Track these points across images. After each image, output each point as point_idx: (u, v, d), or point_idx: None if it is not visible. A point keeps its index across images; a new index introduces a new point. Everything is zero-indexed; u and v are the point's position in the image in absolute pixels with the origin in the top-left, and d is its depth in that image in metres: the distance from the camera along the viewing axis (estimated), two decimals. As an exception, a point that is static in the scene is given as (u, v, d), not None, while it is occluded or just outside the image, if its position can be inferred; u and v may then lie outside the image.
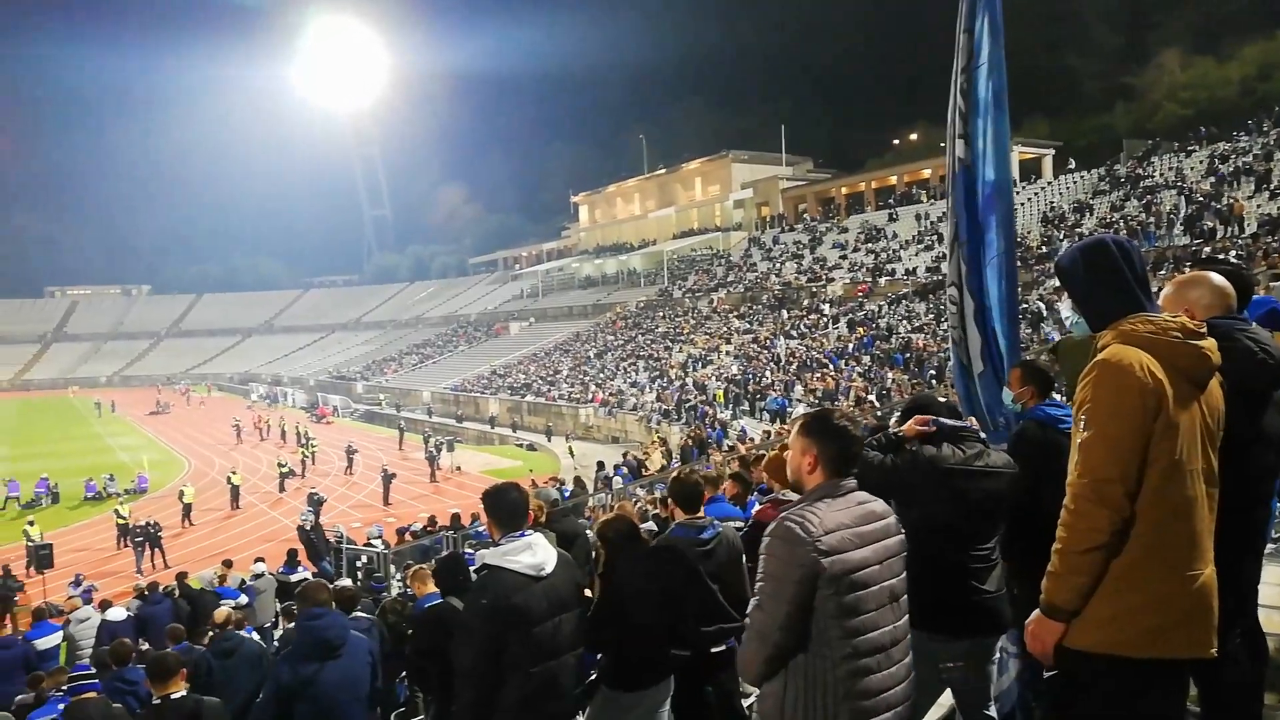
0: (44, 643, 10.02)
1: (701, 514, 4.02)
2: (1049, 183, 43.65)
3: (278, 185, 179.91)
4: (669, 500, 4.38)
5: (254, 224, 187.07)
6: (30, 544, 19.80)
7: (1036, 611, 2.28)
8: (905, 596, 2.49)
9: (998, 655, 3.33)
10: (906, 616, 2.49)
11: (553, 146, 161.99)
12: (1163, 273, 25.63)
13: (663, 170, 75.64)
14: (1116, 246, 2.34)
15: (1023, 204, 39.50)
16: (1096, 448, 2.13)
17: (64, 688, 6.71)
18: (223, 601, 10.29)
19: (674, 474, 4.54)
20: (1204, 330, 2.23)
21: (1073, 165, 43.81)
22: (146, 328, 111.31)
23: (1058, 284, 25.09)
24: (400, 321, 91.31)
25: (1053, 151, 51.43)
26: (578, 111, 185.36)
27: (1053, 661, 2.28)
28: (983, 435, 3.31)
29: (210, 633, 7.80)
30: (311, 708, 3.94)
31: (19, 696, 7.79)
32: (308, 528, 17.09)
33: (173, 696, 4.38)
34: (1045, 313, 23.92)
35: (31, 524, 22.02)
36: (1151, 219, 30.40)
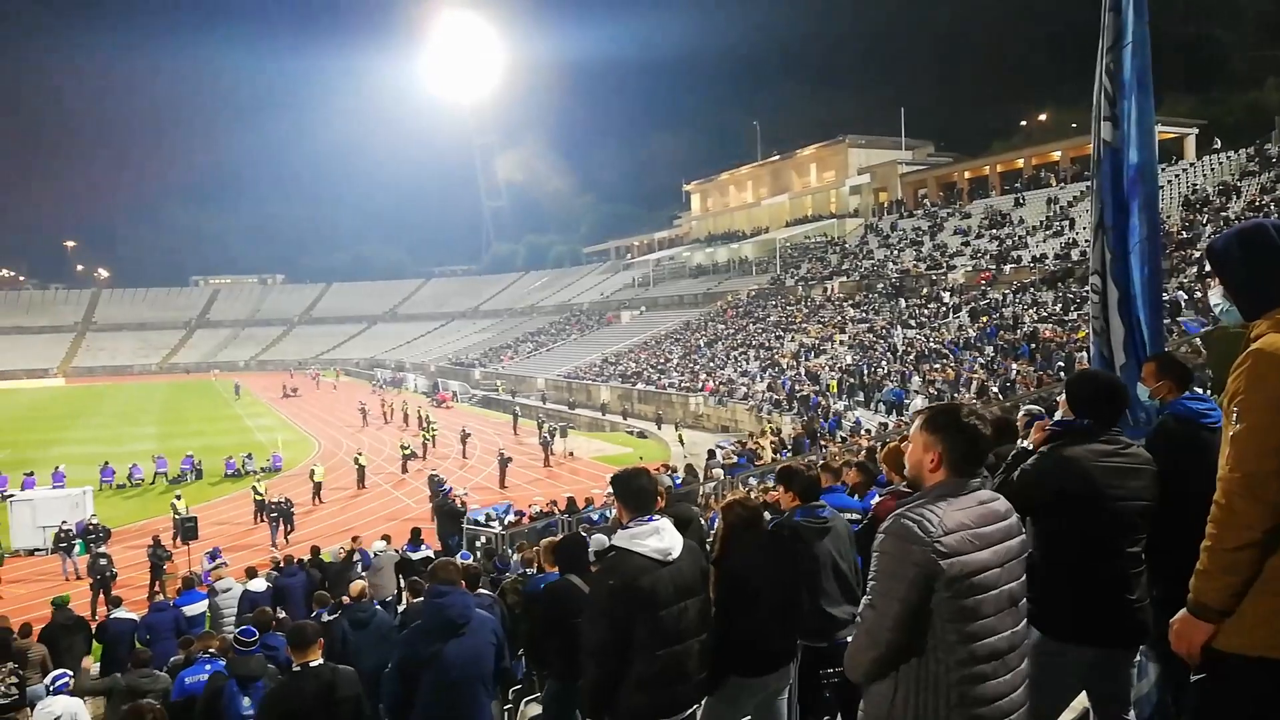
0: (191, 609, 10.79)
1: (820, 503, 3.99)
2: (1191, 164, 40.92)
3: (402, 177, 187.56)
4: (784, 490, 4.34)
5: (380, 215, 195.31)
6: (177, 516, 21.24)
7: (1183, 611, 2.18)
8: (1025, 600, 2.38)
9: (1138, 659, 3.18)
10: (1025, 620, 2.38)
11: (664, 135, 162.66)
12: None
13: (776, 157, 74.67)
14: (1277, 231, 2.21)
15: (1162, 186, 37.15)
16: (1250, 440, 2.03)
17: (211, 650, 7.20)
18: (358, 575, 10.79)
19: (787, 463, 4.50)
20: None
21: (1218, 145, 40.89)
22: (281, 315, 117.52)
23: (1199, 271, 23.66)
24: (516, 310, 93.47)
25: (1196, 130, 48.16)
26: (689, 99, 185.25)
27: (1199, 663, 2.17)
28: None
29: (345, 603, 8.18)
30: (435, 683, 4.05)
31: (173, 658, 8.40)
32: (452, 504, 17.78)
33: (311, 664, 4.60)
34: (1184, 302, 22.49)
35: (179, 498, 23.59)
36: (1309, 201, 28.15)
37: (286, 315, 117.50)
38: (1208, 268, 2.36)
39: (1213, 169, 37.62)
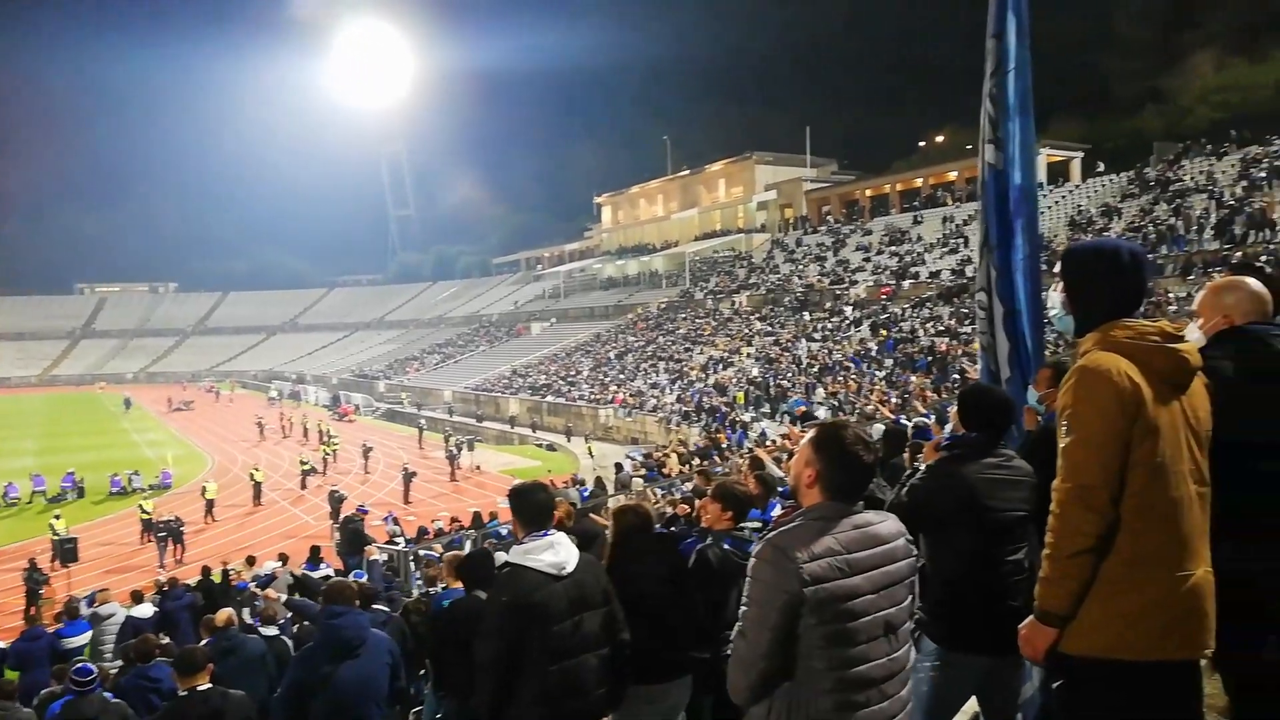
0: (74, 641, 10.10)
1: (746, 535, 3.99)
2: (1077, 185, 43.21)
3: (305, 184, 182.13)
4: (719, 503, 4.28)
5: (281, 223, 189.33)
6: (56, 537, 20.07)
7: (1030, 617, 2.29)
8: (905, 627, 2.34)
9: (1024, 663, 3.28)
10: (907, 647, 2.36)
11: (577, 147, 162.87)
12: (1192, 278, 25.32)
13: (686, 171, 75.59)
14: (1130, 254, 2.34)
15: (1050, 206, 39.10)
16: (1078, 452, 2.16)
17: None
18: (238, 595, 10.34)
19: (728, 480, 4.48)
20: (1183, 334, 2.26)
21: (1101, 168, 43.30)
22: (173, 325, 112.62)
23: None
24: (423, 321, 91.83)
25: (1081, 154, 50.89)
26: (602, 112, 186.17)
27: (1054, 668, 2.30)
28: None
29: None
30: (328, 706, 3.96)
31: (44, 689, 7.87)
32: (359, 523, 17.24)
33: (199, 689, 4.43)
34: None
35: (58, 518, 22.31)
36: (1181, 223, 30.00)
37: (179, 325, 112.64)
38: (1056, 268, 2.49)
39: (1096, 191, 39.77)
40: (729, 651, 2.30)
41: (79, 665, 6.15)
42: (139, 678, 6.29)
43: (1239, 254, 24.26)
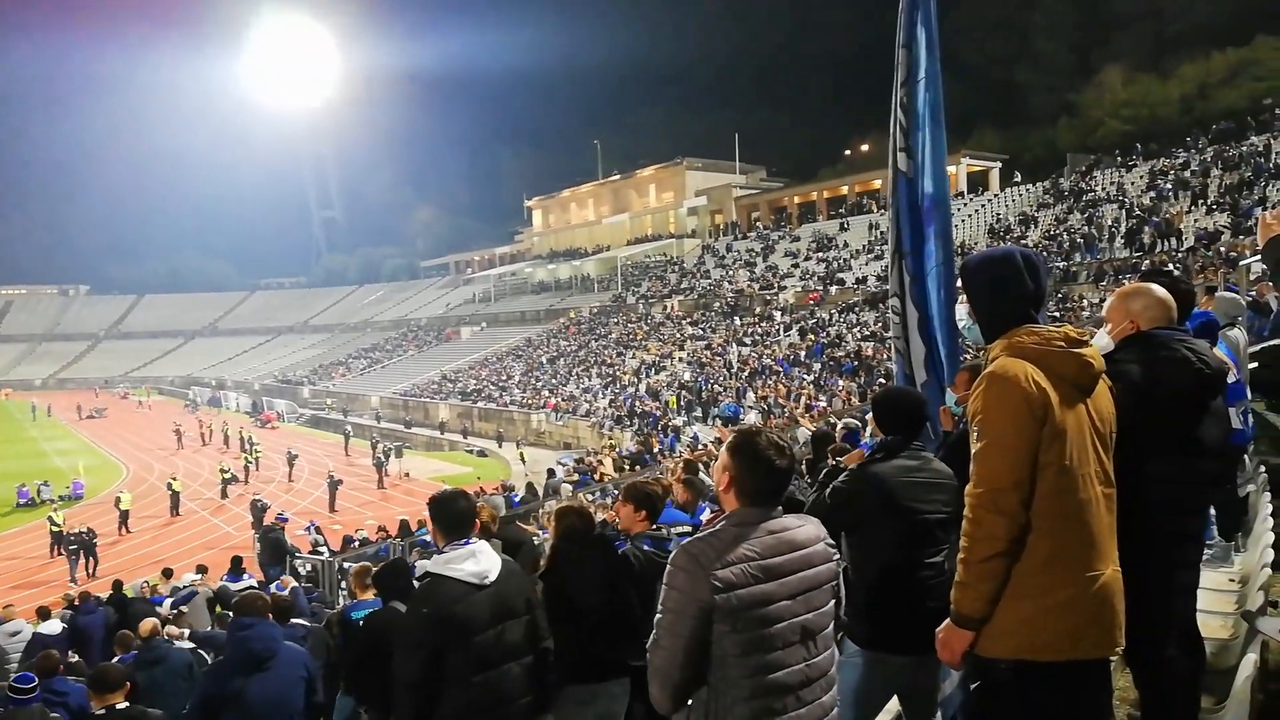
0: (-31, 656, 9.65)
1: (665, 534, 4.01)
2: (996, 195, 44.61)
3: (225, 184, 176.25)
4: (629, 504, 4.31)
5: (199, 224, 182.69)
6: (-43, 552, 19.09)
7: (947, 620, 2.32)
8: (825, 632, 2.33)
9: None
10: (829, 652, 2.35)
11: (506, 150, 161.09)
12: (1104, 284, 26.36)
13: (617, 176, 75.73)
14: (1023, 259, 2.40)
15: (970, 215, 40.33)
16: (990, 457, 2.20)
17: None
18: (155, 610, 10.00)
19: (637, 481, 4.48)
20: (1086, 339, 2.31)
21: (1018, 178, 44.84)
22: (84, 329, 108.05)
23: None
24: (349, 325, 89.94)
25: (1000, 164, 52.60)
26: (532, 115, 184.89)
27: (963, 669, 2.34)
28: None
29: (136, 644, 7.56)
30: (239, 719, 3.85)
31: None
32: (280, 533, 16.78)
33: (117, 708, 4.27)
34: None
35: (-41, 531, 21.23)
36: (1094, 231, 31.22)
37: (91, 329, 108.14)
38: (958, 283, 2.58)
39: (1014, 200, 41.12)
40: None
41: (20, 673, 5.89)
42: (44, 692, 6.01)
43: (1148, 261, 25.36)
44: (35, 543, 23.65)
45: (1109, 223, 31.58)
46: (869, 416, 4.19)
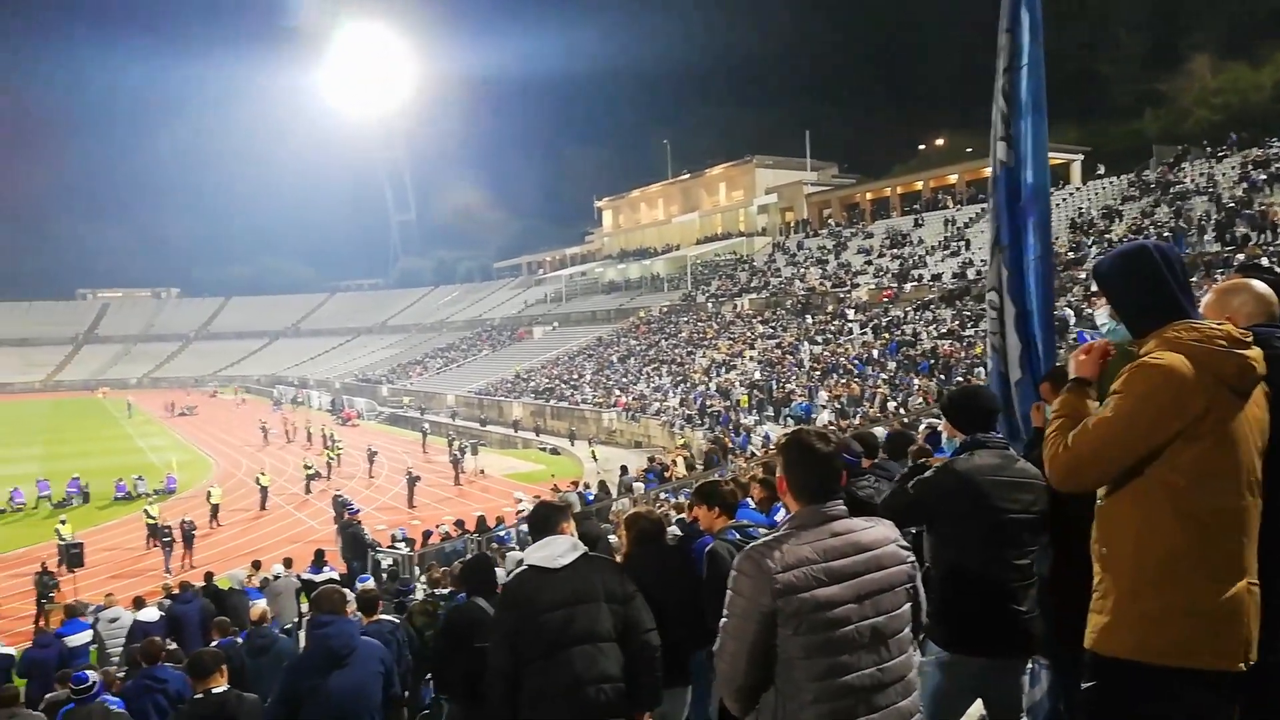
0: (75, 639, 10.18)
1: (748, 523, 4.04)
2: (1077, 188, 43.20)
3: (307, 189, 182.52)
4: (707, 507, 4.35)
5: (283, 228, 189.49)
6: (61, 543, 20.10)
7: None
8: (900, 636, 2.29)
9: (1030, 667, 3.30)
10: (903, 657, 2.30)
11: (577, 151, 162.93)
12: (1194, 279, 25.31)
13: (686, 175, 75.61)
14: (1158, 252, 2.29)
15: (1052, 210, 39.08)
16: (1104, 428, 2.13)
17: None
18: (251, 602, 10.38)
19: (710, 481, 4.52)
20: (1249, 339, 2.18)
21: (1101, 171, 43.31)
22: (176, 330, 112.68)
23: (1089, 290, 24.93)
24: (425, 325, 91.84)
25: (1081, 157, 50.94)
26: (602, 116, 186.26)
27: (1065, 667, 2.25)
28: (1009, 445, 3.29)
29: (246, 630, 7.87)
30: (318, 715, 3.94)
31: (49, 695, 7.92)
32: (357, 526, 17.31)
33: (214, 691, 4.44)
34: (1073, 321, 23.66)
35: (64, 523, 22.32)
36: (1183, 225, 30.00)
37: (182, 330, 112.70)
38: (1094, 287, 2.49)
39: (1096, 193, 39.75)
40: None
41: (75, 673, 6.17)
42: (145, 679, 6.31)
43: (1240, 256, 24.26)
44: (132, 534, 24.75)
45: (1199, 216, 30.28)
46: (942, 421, 4.13)
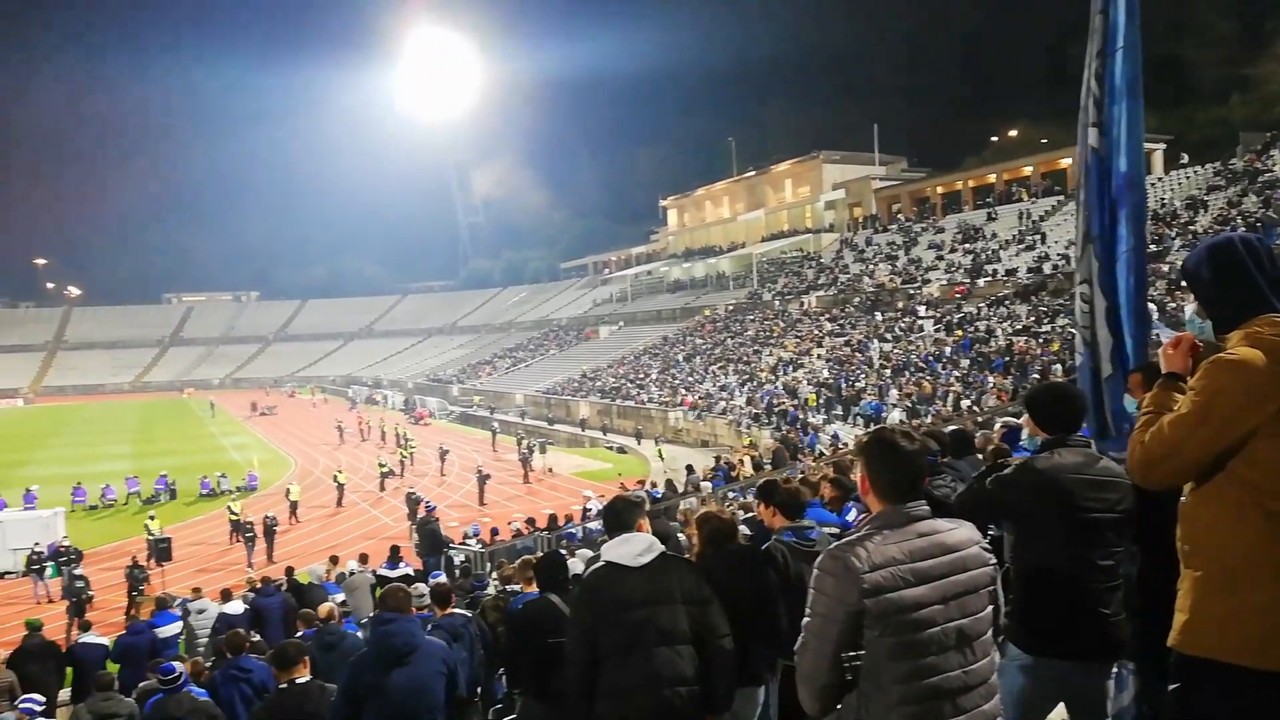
0: (166, 630, 10.62)
1: (809, 523, 4.03)
2: (1160, 178, 41.64)
3: (379, 193, 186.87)
4: (765, 505, 4.37)
5: (357, 231, 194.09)
6: (151, 537, 20.96)
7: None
8: (984, 638, 2.27)
9: (1115, 671, 3.21)
10: (986, 659, 2.28)
11: (641, 151, 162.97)
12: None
13: (751, 172, 75.20)
14: (1244, 245, 2.23)
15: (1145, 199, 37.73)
16: (1181, 422, 2.10)
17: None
18: (330, 597, 10.69)
19: (769, 479, 4.52)
20: None
21: (1185, 159, 41.66)
22: (256, 332, 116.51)
23: (1172, 285, 24.02)
24: (494, 325, 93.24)
25: (1164, 145, 49.04)
26: (666, 115, 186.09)
27: (1171, 674, 2.18)
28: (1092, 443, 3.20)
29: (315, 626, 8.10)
30: (381, 713, 3.99)
31: (142, 683, 8.27)
32: (435, 524, 17.71)
33: (297, 681, 4.59)
34: (1155, 315, 22.84)
35: (152, 518, 23.28)
36: (1273, 214, 28.69)
37: (261, 332, 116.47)
38: (1181, 281, 2.43)
39: (1180, 183, 38.29)
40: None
41: (163, 664, 6.41)
42: (231, 669, 6.55)
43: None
44: (215, 530, 25.68)
45: (1291, 204, 28.95)
46: (1024, 417, 4.03)
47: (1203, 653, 2.09)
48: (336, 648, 7.18)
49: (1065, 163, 48.53)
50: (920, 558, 2.20)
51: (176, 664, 6.25)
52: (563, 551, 11.06)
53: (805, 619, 2.24)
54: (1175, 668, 2.17)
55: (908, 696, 2.13)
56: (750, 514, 8.30)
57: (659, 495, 18.79)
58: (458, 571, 15.16)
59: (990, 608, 2.33)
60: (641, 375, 48.24)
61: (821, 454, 22.10)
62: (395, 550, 13.53)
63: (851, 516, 5.21)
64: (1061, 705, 3.19)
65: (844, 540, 2.27)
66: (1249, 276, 2.20)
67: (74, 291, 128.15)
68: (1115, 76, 4.41)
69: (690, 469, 22.65)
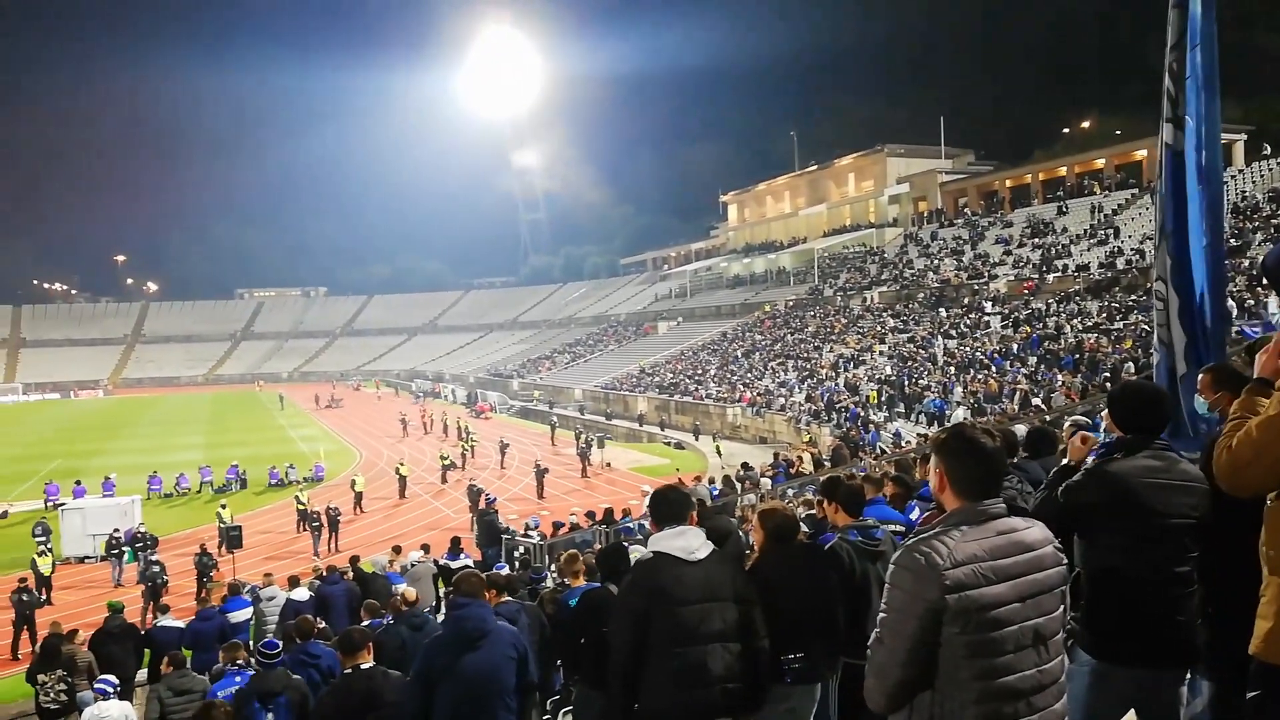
0: (237, 616, 10.95)
1: (873, 522, 3.98)
2: (1241, 170, 40.02)
3: (442, 190, 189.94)
4: (828, 501, 4.33)
5: (419, 228, 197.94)
6: (222, 525, 21.61)
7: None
8: (1057, 638, 2.25)
9: (1189, 678, 3.10)
10: (1060, 659, 2.26)
11: (700, 146, 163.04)
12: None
13: (814, 166, 74.34)
14: None
15: (1223, 193, 36.36)
16: (1268, 425, 2.06)
17: (239, 661, 7.29)
18: (394, 588, 10.88)
19: (832, 475, 4.48)
20: None
21: (1268, 151, 39.93)
22: (323, 327, 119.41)
23: (1253, 280, 23.07)
24: (554, 321, 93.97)
25: (1244, 136, 47.10)
26: (726, 110, 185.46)
27: (1251, 681, 2.16)
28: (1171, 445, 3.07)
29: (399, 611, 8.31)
30: (453, 694, 4.07)
31: (215, 666, 8.53)
32: (494, 515, 17.96)
33: (362, 667, 4.71)
34: (1235, 313, 21.97)
35: (224, 507, 23.99)
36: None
37: (329, 327, 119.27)
38: (1263, 279, 2.39)
39: (1262, 175, 36.79)
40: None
41: (267, 639, 6.64)
42: (300, 654, 6.71)
43: None
44: (284, 519, 26.38)
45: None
46: (1103, 414, 3.92)
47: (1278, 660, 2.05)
48: (422, 629, 7.37)
49: (1140, 154, 46.99)
50: (1000, 555, 2.17)
51: (278, 640, 6.47)
52: (624, 544, 11.09)
53: (881, 613, 2.22)
54: (1256, 676, 2.13)
55: (985, 694, 2.12)
56: (811, 511, 8.22)
57: (716, 492, 18.72)
58: (518, 563, 15.32)
59: (1062, 608, 2.29)
60: (700, 371, 48.12)
61: (883, 452, 21.78)
62: (456, 541, 13.73)
63: (915, 515, 5.12)
64: (1131, 712, 3.09)
65: (923, 535, 2.23)
66: None
67: (151, 287, 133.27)
68: (1191, 71, 4.34)
69: (746, 465, 22.50)
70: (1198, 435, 3.90)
